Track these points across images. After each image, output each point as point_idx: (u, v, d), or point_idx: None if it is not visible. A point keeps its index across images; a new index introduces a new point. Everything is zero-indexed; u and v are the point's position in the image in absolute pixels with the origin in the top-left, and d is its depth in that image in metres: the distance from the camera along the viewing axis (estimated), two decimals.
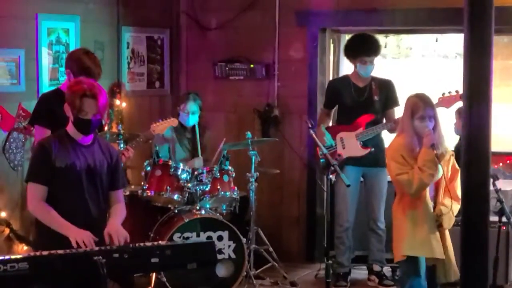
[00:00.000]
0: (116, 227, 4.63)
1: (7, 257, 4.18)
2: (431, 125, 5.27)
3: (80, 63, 5.70)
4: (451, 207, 5.29)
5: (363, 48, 7.26)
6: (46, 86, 6.90)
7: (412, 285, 5.37)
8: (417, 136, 5.29)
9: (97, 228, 4.58)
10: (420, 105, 5.30)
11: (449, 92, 6.69)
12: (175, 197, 6.93)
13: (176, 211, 7.01)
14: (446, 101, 6.72)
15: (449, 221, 5.34)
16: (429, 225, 5.30)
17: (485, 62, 2.55)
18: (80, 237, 4.45)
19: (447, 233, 5.39)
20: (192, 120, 7.42)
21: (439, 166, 5.27)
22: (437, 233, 5.32)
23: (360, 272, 7.70)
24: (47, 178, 4.61)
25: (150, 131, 6.69)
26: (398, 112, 7.31)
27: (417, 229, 5.30)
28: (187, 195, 6.99)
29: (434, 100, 6.58)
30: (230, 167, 7.13)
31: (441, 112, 6.63)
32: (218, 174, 7.04)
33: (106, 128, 7.20)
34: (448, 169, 5.39)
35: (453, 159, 5.42)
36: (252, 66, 8.29)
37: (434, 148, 5.19)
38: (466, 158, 2.57)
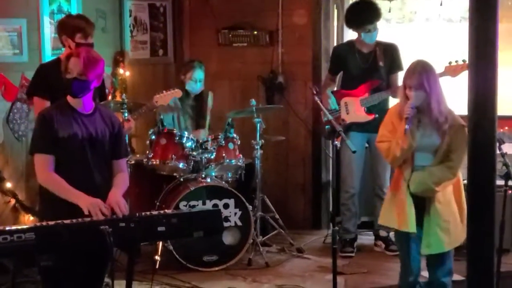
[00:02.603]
0: (116, 199, 4.58)
1: (13, 227, 4.19)
2: (419, 95, 5.06)
3: (67, 23, 5.82)
4: (427, 173, 5.11)
5: (364, 17, 7.20)
6: (48, 56, 6.87)
7: (401, 254, 5.37)
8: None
9: (101, 197, 4.57)
10: (408, 73, 5.17)
11: (456, 61, 6.64)
12: (181, 165, 6.94)
13: (181, 179, 7.02)
14: (452, 70, 6.68)
15: (419, 186, 5.11)
16: (405, 195, 5.15)
17: (490, 24, 2.53)
18: (91, 205, 4.43)
19: (439, 202, 5.16)
20: (200, 87, 7.44)
21: (435, 136, 5.14)
22: (406, 205, 5.13)
23: (366, 238, 7.73)
24: (52, 148, 4.59)
25: (153, 102, 6.67)
26: (401, 76, 7.28)
27: (392, 200, 5.23)
28: (192, 163, 7.00)
29: (440, 68, 6.56)
30: (235, 135, 7.13)
31: (446, 80, 6.59)
32: (223, 142, 7.04)
33: (109, 97, 7.19)
34: (453, 139, 5.11)
35: (463, 130, 5.06)
36: (255, 32, 8.25)
37: (407, 122, 5.05)
38: (472, 122, 2.55)
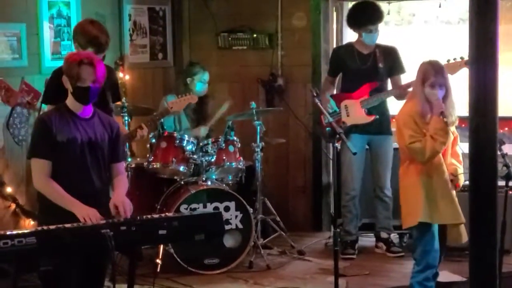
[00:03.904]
0: (122, 198, 4.62)
1: (14, 232, 4.19)
2: (441, 93, 5.27)
3: (86, 34, 5.65)
4: (459, 168, 5.39)
5: (367, 17, 7.21)
6: (48, 60, 6.88)
7: (425, 249, 5.39)
8: (428, 102, 5.29)
9: (101, 201, 4.58)
10: (431, 72, 5.30)
11: (454, 59, 6.65)
12: (181, 168, 6.93)
13: (182, 182, 7.01)
14: (451, 68, 6.67)
15: (462, 180, 5.41)
16: (443, 190, 5.31)
17: (490, 25, 2.53)
18: (86, 215, 4.44)
19: (456, 198, 5.42)
20: (206, 88, 7.54)
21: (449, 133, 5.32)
22: (453, 197, 5.34)
23: (367, 240, 7.71)
24: (50, 153, 4.59)
25: (167, 108, 6.64)
26: (404, 78, 7.29)
27: (431, 195, 5.31)
28: (193, 166, 7.00)
29: None
30: (235, 138, 7.13)
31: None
32: (224, 144, 7.04)
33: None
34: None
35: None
36: (255, 35, 8.26)
37: (443, 116, 5.19)
38: (473, 122, 2.56)
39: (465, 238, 5.39)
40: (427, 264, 5.39)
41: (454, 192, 5.40)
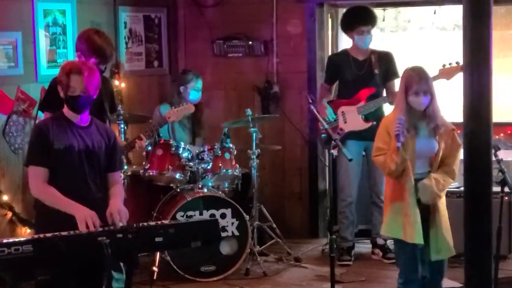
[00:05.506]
0: (118, 207, 4.61)
1: (10, 240, 4.19)
2: (426, 100, 5.10)
3: (90, 44, 5.59)
4: (433, 181, 5.09)
5: (358, 18, 7.24)
6: (44, 68, 6.89)
7: (403, 263, 5.34)
8: (409, 113, 5.09)
9: (98, 209, 4.57)
10: (414, 80, 5.09)
11: (450, 64, 6.67)
12: (177, 176, 6.94)
13: (178, 190, 7.02)
14: (446, 73, 6.70)
15: (429, 195, 5.10)
16: (407, 208, 5.10)
17: (484, 30, 2.54)
18: (85, 216, 4.43)
19: (441, 209, 5.19)
20: (200, 96, 7.55)
21: (434, 142, 5.15)
22: (414, 217, 5.08)
23: (364, 246, 7.72)
24: (47, 160, 4.59)
25: (164, 118, 6.64)
26: (397, 83, 7.32)
27: (397, 211, 5.14)
28: (189, 173, 7.00)
29: (435, 72, 6.58)
30: (231, 145, 7.13)
31: (441, 84, 6.62)
32: (220, 152, 7.04)
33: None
34: (447, 143, 5.17)
35: (453, 133, 5.18)
36: (250, 43, 8.26)
37: (397, 139, 4.97)
38: (467, 128, 2.57)
39: (449, 253, 5.19)
40: (407, 278, 5.30)
41: (426, 211, 5.17)
